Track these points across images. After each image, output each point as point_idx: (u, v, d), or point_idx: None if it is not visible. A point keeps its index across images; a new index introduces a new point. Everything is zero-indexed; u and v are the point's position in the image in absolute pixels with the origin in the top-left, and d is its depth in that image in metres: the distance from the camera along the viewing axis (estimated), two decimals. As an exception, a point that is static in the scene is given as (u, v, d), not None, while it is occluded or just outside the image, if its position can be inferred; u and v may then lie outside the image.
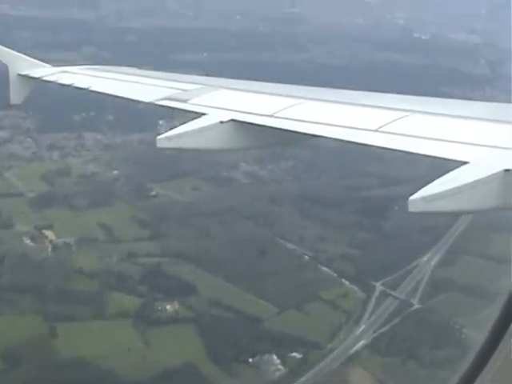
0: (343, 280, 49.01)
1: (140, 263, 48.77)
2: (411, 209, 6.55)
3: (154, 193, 58.31)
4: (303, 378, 40.15)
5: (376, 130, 8.41)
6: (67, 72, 13.64)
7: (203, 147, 9.78)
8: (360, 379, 40.36)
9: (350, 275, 49.33)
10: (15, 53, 13.97)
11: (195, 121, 9.68)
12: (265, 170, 63.71)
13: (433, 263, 51.54)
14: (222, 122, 9.53)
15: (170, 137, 9.47)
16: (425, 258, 51.80)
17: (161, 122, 68.35)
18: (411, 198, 6.54)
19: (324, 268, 50.10)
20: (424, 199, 6.53)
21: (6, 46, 14.10)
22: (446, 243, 53.69)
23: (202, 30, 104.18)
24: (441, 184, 6.70)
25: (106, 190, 58.13)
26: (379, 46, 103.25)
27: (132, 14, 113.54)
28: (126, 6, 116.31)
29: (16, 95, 13.86)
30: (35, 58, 14.13)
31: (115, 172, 60.67)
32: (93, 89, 12.47)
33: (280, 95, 10.50)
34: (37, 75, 13.53)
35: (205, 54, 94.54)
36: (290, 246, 52.35)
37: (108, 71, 13.70)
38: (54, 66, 14.25)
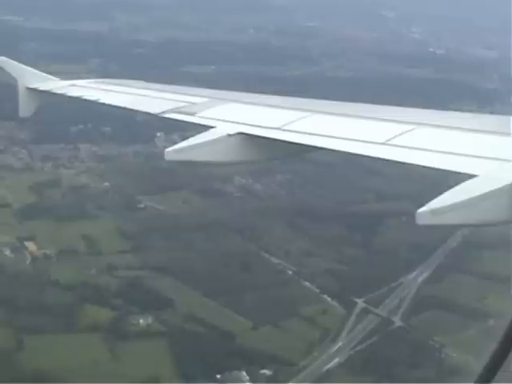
0: (325, 296, 47.97)
1: (119, 276, 48.05)
2: (419, 221, 6.51)
3: (142, 205, 57.68)
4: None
5: (384, 143, 8.42)
6: (76, 85, 13.86)
7: (211, 160, 9.90)
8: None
9: (333, 291, 48.28)
10: (24, 66, 14.16)
11: (203, 134, 9.81)
12: (259, 184, 62.84)
13: (419, 280, 50.26)
14: (229, 135, 9.61)
15: (177, 150, 9.53)
16: (412, 275, 50.56)
17: (158, 135, 68.24)
18: (419, 210, 6.48)
19: (306, 283, 49.09)
20: (432, 212, 6.49)
21: (15, 58, 14.46)
22: (436, 260, 52.44)
23: (212, 43, 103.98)
24: (449, 197, 6.67)
25: (93, 201, 57.63)
26: (391, 60, 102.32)
27: (145, 26, 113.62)
28: (140, 19, 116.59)
29: (25, 108, 14.06)
30: (40, 70, 14.48)
31: (106, 184, 60.13)
32: (101, 101, 12.77)
33: (287, 108, 10.70)
34: (46, 88, 13.69)
35: (212, 67, 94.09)
36: (275, 260, 51.43)
37: (116, 84, 14.00)
38: (60, 78, 14.67)
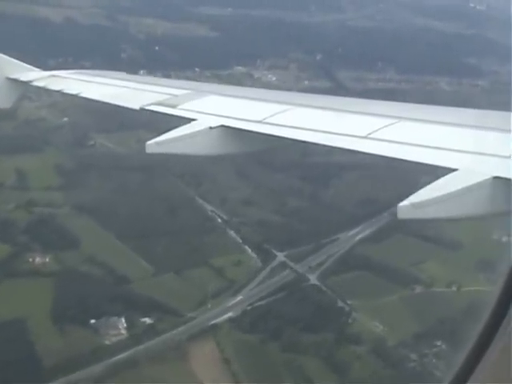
0: (246, 247, 44.65)
1: (35, 212, 45.71)
2: (400, 215, 6.59)
3: (92, 142, 55.16)
4: (141, 346, 36.26)
5: (365, 137, 8.46)
6: (57, 76, 13.83)
7: (192, 153, 9.85)
8: (204, 356, 36.20)
9: (256, 243, 45.00)
10: (4, 56, 13.89)
11: (185, 126, 9.69)
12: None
13: (358, 238, 46.44)
14: (211, 128, 9.57)
15: (159, 142, 9.42)
16: (351, 233, 46.84)
17: (141, 72, 65.39)
18: (400, 204, 6.55)
19: (232, 233, 45.83)
20: (413, 206, 6.57)
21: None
22: (384, 219, 48.33)
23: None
24: (430, 191, 6.74)
25: (44, 136, 55.38)
26: (425, 13, 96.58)
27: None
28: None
29: (4, 99, 13.82)
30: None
31: (65, 119, 57.95)
32: (82, 95, 12.74)
33: (269, 101, 10.61)
34: (26, 79, 13.55)
35: (229, 9, 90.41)
36: (208, 207, 48.31)
37: (97, 76, 13.95)
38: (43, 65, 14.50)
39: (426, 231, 47.47)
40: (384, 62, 77.38)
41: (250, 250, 44.41)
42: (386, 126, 8.66)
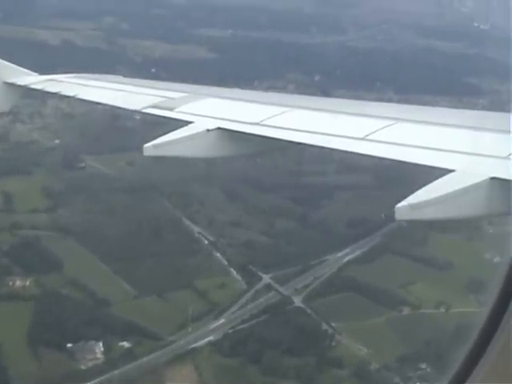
0: (231, 269, 43.90)
1: (19, 235, 45.24)
2: (398, 217, 7.07)
3: (83, 164, 54.74)
4: (116, 371, 35.52)
5: (363, 139, 8.51)
6: (54, 80, 14.40)
7: (190, 155, 10.28)
8: (181, 380, 35.39)
9: (242, 265, 44.22)
10: (1, 61, 14.33)
11: (182, 129, 10.05)
12: (221, 150, 58.71)
13: (346, 259, 45.59)
14: (208, 130, 9.81)
15: (156, 145, 9.79)
16: (340, 254, 45.99)
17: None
18: (398, 205, 7.00)
19: (218, 254, 45.10)
20: (411, 207, 6.88)
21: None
22: (375, 239, 47.54)
23: (239, 6, 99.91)
24: (428, 192, 7.08)
25: (34, 158, 55.03)
26: (427, 33, 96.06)
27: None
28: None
29: (2, 103, 14.56)
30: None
31: (56, 141, 57.61)
32: (79, 97, 13.28)
33: (267, 103, 10.89)
34: (24, 83, 14.16)
35: (230, 31, 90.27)
36: (195, 228, 47.69)
37: (94, 79, 14.30)
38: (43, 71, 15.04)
39: (416, 251, 46.71)
40: (383, 82, 76.71)
41: (235, 272, 43.66)
42: (383, 128, 8.79)
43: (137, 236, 46.20)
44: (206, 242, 46.58)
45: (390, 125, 8.81)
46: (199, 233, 47.43)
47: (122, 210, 48.88)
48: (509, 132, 7.77)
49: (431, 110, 11.23)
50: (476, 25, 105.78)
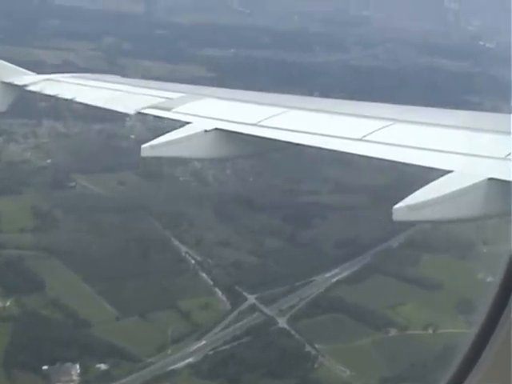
0: (217, 289, 43.15)
1: (2, 255, 44.76)
2: (396, 217, 6.94)
3: (73, 184, 54.22)
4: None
5: (360, 139, 8.49)
6: (51, 80, 14.21)
7: (187, 156, 10.36)
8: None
9: (227, 285, 43.45)
10: (0, 61, 14.25)
11: (180, 129, 9.96)
12: (215, 170, 58.33)
13: (335, 280, 44.74)
14: (206, 131, 9.70)
15: (154, 145, 9.53)
16: (329, 274, 45.14)
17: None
18: (396, 206, 6.83)
19: (204, 275, 44.36)
20: (409, 208, 6.67)
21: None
22: (366, 259, 46.69)
23: (243, 26, 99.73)
24: (426, 192, 6.90)
25: (25, 178, 54.62)
26: (432, 52, 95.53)
27: (186, 8, 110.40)
28: (185, 1, 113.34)
29: (0, 102, 14.28)
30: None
31: (48, 161, 57.23)
32: (77, 100, 13.14)
33: (264, 104, 10.85)
34: (21, 83, 14.14)
35: (232, 50, 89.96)
36: (183, 248, 47.04)
37: (92, 79, 14.32)
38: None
39: (407, 271, 45.90)
40: (383, 100, 75.82)
41: (220, 293, 42.94)
42: (380, 129, 8.70)
43: (123, 256, 45.56)
44: (193, 261, 45.93)
45: (387, 125, 8.76)
46: (187, 253, 46.75)
47: (110, 230, 48.24)
48: (506, 133, 7.74)
49: (429, 110, 10.74)
50: (482, 43, 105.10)
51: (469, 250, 47.15)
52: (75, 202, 52.03)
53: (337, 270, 45.64)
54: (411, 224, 36.48)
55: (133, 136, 63.75)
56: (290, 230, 49.74)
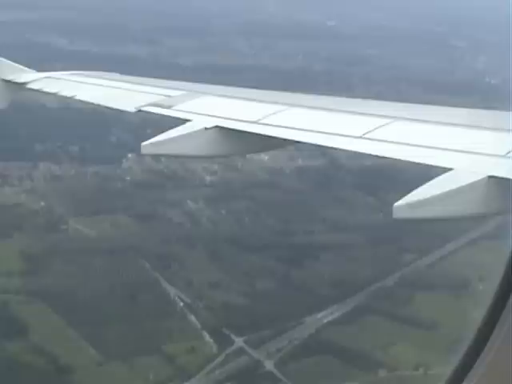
0: (204, 332, 42.19)
1: (-13, 300, 44.09)
2: (396, 215, 6.55)
3: (65, 227, 53.65)
4: None
5: (360, 137, 8.42)
6: (52, 78, 13.80)
7: (187, 154, 9.85)
8: None
9: (215, 328, 42.50)
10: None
11: (180, 127, 9.62)
12: (210, 210, 57.68)
13: (325, 321, 43.73)
14: (206, 129, 9.45)
15: (154, 143, 9.29)
16: (319, 315, 44.15)
17: (129, 156, 64.50)
18: (396, 204, 6.53)
19: (192, 317, 43.48)
20: (409, 205, 6.49)
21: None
22: (357, 299, 45.68)
23: (248, 66, 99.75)
24: (426, 190, 6.70)
25: (16, 221, 54.13)
26: (436, 88, 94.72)
27: (190, 50, 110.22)
28: (189, 43, 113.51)
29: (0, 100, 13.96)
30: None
31: (42, 204, 56.67)
32: (78, 98, 12.71)
33: (265, 102, 10.49)
34: (21, 81, 13.62)
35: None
36: (173, 290, 46.17)
37: (92, 77, 13.91)
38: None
39: (400, 311, 44.88)
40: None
41: (207, 336, 42.02)
42: (381, 126, 8.51)
43: (110, 299, 44.84)
44: (182, 304, 45.04)
45: (387, 123, 8.68)
46: (175, 295, 45.80)
47: (99, 273, 47.48)
48: (507, 130, 7.79)
49: (429, 108, 10.47)
50: (487, 80, 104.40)
51: (464, 287, 46.03)
52: (66, 245, 51.44)
53: (328, 311, 44.56)
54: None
55: (128, 178, 63.38)
56: (282, 271, 49.15)
